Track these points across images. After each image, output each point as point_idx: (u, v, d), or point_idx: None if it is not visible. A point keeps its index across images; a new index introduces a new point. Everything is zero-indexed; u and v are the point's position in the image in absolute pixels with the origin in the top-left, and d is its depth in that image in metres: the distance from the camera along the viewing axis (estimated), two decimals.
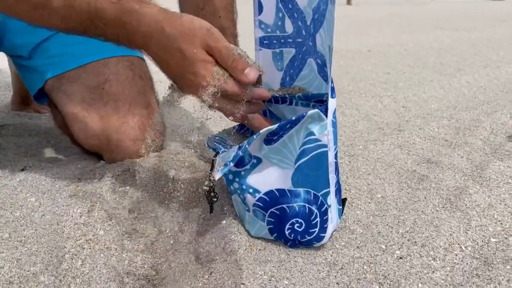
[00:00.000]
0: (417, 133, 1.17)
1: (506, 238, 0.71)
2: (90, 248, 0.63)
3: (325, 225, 0.65)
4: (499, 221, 0.76)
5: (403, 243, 0.69)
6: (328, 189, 0.64)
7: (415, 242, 0.69)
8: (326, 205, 0.64)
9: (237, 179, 0.66)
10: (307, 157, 0.62)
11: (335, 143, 0.65)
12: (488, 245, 0.69)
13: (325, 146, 0.62)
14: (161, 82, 1.79)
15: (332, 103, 0.62)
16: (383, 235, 0.71)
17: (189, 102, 1.36)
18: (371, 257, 0.66)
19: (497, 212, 0.78)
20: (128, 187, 0.78)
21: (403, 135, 1.15)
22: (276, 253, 0.66)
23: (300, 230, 0.65)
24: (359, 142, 1.12)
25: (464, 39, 3.14)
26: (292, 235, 0.66)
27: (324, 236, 0.66)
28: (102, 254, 0.63)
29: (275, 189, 0.64)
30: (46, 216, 0.69)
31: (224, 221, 0.73)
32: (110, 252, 0.63)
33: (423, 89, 1.70)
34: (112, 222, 0.69)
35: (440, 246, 0.68)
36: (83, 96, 0.86)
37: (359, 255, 0.66)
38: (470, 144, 1.10)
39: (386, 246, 0.68)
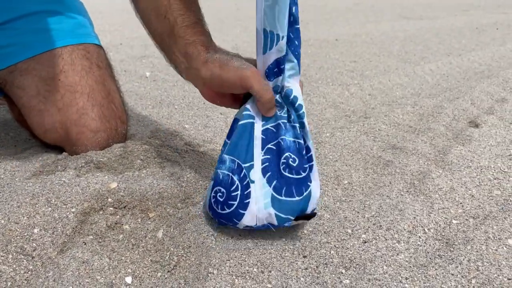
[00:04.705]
0: (382, 120, 1.19)
1: (467, 219, 0.73)
2: (52, 243, 0.62)
3: (246, 201, 0.64)
4: (461, 203, 0.78)
5: (368, 227, 0.70)
6: (252, 163, 0.64)
7: (380, 226, 0.70)
8: (248, 179, 0.64)
9: None
10: (238, 123, 0.65)
11: (265, 119, 0.66)
12: (450, 227, 0.71)
13: (253, 117, 0.65)
14: (126, 72, 1.75)
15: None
16: (350, 220, 0.72)
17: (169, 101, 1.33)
18: (337, 241, 0.67)
19: (458, 195, 0.81)
20: (92, 179, 0.76)
21: (369, 122, 1.17)
22: (243, 241, 0.66)
23: (221, 200, 0.65)
24: (326, 129, 1.13)
25: (428, 28, 3.21)
26: (214, 204, 0.66)
27: (243, 214, 0.64)
28: (68, 251, 0.62)
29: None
30: (5, 210, 0.66)
31: (193, 212, 0.72)
32: (76, 245, 0.62)
33: (389, 77, 1.73)
34: (77, 215, 0.67)
35: (404, 229, 0.70)
36: (38, 88, 0.83)
37: (326, 240, 0.67)
38: (433, 129, 1.13)
39: (352, 231, 0.69)
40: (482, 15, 4.27)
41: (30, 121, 0.84)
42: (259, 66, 0.64)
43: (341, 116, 1.26)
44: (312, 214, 0.66)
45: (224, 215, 0.65)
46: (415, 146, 1.01)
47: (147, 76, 1.68)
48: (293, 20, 0.62)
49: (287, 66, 0.64)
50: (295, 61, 0.64)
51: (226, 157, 0.65)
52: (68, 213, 0.67)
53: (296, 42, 0.63)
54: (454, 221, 0.73)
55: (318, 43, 2.52)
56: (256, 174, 0.64)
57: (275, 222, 0.64)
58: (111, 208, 0.70)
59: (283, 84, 0.64)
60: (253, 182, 0.64)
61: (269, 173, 0.64)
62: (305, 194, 0.65)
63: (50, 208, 0.67)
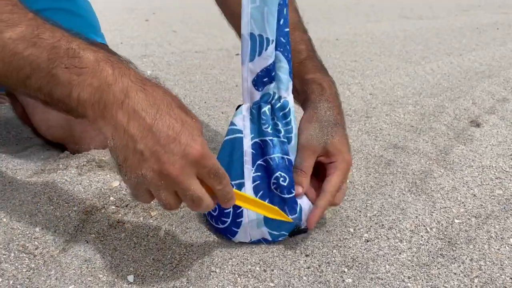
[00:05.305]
0: (384, 119, 1.19)
1: (469, 219, 0.73)
2: (54, 241, 0.62)
3: (238, 220, 0.62)
4: (462, 203, 0.78)
5: (371, 226, 0.70)
6: (242, 180, 0.61)
7: (383, 225, 0.70)
8: None
9: None
10: (224, 139, 0.62)
11: (253, 132, 0.62)
12: (452, 226, 0.71)
13: (240, 131, 0.61)
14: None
15: (251, 94, 0.60)
16: (352, 219, 0.72)
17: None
18: (340, 240, 0.67)
19: (460, 194, 0.81)
20: (94, 177, 0.76)
21: (371, 122, 1.17)
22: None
23: (214, 214, 0.64)
24: None
25: (428, 28, 3.21)
26: (208, 216, 0.66)
27: (236, 232, 0.63)
28: (70, 249, 0.61)
29: None
30: (7, 208, 0.66)
31: (195, 212, 0.72)
32: (78, 243, 0.62)
33: (390, 76, 1.73)
34: (79, 214, 0.67)
35: (407, 228, 0.70)
36: None
37: (328, 239, 0.67)
38: (434, 129, 1.13)
39: (354, 230, 0.69)
40: (482, 15, 4.27)
41: (34, 118, 0.84)
42: (245, 76, 0.59)
43: None
44: (305, 229, 0.65)
45: (219, 229, 0.65)
46: (416, 146, 1.01)
47: (148, 75, 1.68)
48: (283, 23, 0.58)
49: (282, 73, 0.60)
50: (288, 66, 0.60)
51: None
52: (70, 211, 0.67)
53: (288, 47, 0.60)
54: (456, 221, 0.73)
55: (318, 42, 2.52)
56: (247, 192, 0.61)
57: (269, 238, 0.64)
58: (113, 207, 0.70)
59: (280, 95, 0.61)
60: None
61: (261, 192, 0.62)
62: (298, 210, 0.62)
63: (52, 207, 0.67)
